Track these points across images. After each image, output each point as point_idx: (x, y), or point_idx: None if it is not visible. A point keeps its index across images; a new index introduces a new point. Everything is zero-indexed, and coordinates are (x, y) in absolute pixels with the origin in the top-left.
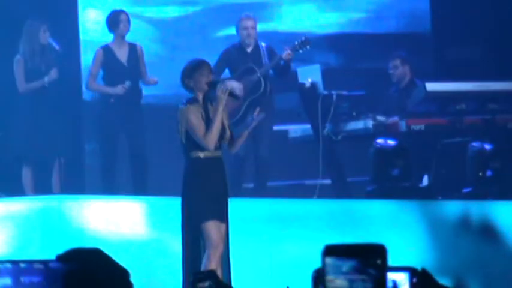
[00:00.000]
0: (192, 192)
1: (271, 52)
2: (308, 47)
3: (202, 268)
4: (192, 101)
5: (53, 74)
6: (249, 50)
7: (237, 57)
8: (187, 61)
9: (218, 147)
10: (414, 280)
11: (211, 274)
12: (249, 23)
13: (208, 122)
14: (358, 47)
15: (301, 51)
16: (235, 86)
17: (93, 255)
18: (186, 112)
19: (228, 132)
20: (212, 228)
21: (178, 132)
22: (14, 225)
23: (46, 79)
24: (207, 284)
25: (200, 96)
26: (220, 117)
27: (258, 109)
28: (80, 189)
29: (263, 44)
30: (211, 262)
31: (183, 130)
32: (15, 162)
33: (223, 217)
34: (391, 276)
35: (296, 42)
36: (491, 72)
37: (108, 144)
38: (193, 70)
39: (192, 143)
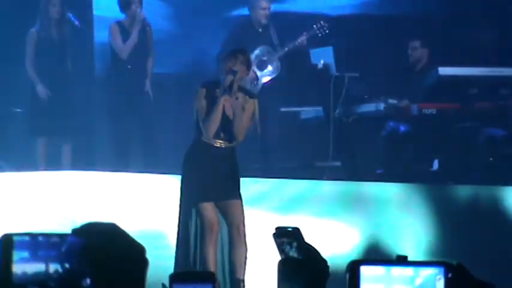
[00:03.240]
0: (189, 171)
1: (280, 32)
2: (327, 31)
3: (193, 250)
4: (210, 84)
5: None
6: (260, 30)
7: (249, 37)
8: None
9: (224, 138)
10: (449, 275)
11: (295, 231)
12: (266, 4)
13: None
14: (372, 29)
15: (320, 35)
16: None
17: (109, 229)
18: (198, 94)
19: (239, 124)
20: (206, 208)
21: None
22: (25, 199)
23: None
24: (289, 239)
25: (225, 81)
26: (219, 109)
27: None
28: (91, 165)
29: (271, 23)
30: (206, 244)
31: (194, 110)
32: (29, 136)
33: (221, 197)
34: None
35: (315, 26)
36: (504, 57)
37: (118, 121)
38: (229, 54)
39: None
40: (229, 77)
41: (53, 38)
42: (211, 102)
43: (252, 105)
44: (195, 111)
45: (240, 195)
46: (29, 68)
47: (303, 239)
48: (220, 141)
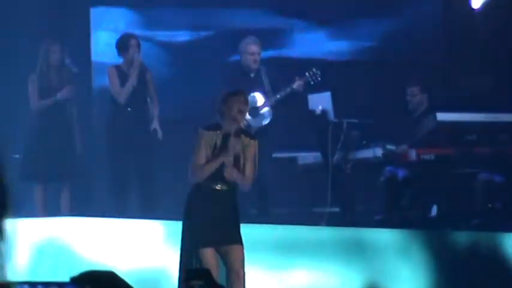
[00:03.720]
0: (190, 216)
1: (273, 78)
2: (319, 78)
3: None
4: (212, 126)
5: (66, 91)
6: (252, 75)
7: (240, 83)
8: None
9: (226, 181)
10: None
11: (204, 272)
12: (255, 48)
13: (222, 150)
14: (370, 74)
15: (312, 82)
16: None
17: (107, 277)
18: (199, 135)
19: (245, 168)
20: (206, 254)
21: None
22: (25, 246)
23: (58, 96)
24: (200, 282)
25: (227, 124)
26: (217, 162)
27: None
28: (89, 211)
29: (263, 69)
30: None
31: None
32: (27, 182)
33: (221, 241)
34: None
35: (307, 74)
36: (502, 103)
37: (117, 165)
38: (229, 95)
39: None
40: (234, 126)
41: (53, 84)
42: (217, 143)
43: (254, 147)
44: (195, 152)
45: (240, 239)
46: (36, 109)
47: (213, 280)
48: (221, 185)
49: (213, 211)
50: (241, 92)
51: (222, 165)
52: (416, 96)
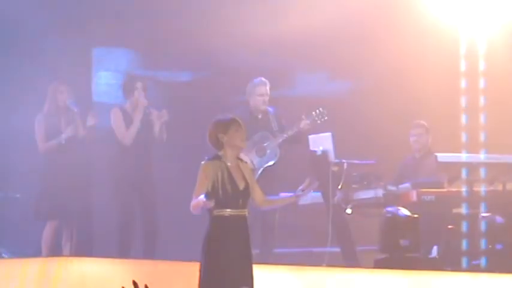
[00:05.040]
0: (212, 253)
1: (279, 118)
2: (326, 117)
3: None
4: (215, 157)
5: (69, 131)
6: (260, 116)
7: (247, 123)
8: (215, 118)
9: (243, 205)
10: None
11: None
12: (264, 89)
13: (230, 180)
14: (371, 114)
15: (319, 121)
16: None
17: None
18: (201, 168)
19: (254, 190)
20: None
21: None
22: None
23: (63, 136)
24: None
25: (228, 153)
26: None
27: (308, 180)
28: (89, 251)
29: (270, 110)
30: None
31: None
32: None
33: (243, 282)
34: None
35: (314, 113)
36: (502, 144)
37: (120, 205)
38: (228, 125)
39: (216, 200)
40: (235, 154)
41: (59, 124)
42: (225, 173)
43: (252, 170)
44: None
45: (252, 282)
46: (44, 150)
47: None
48: (244, 209)
49: (231, 249)
50: (237, 120)
51: (235, 191)
52: (422, 137)
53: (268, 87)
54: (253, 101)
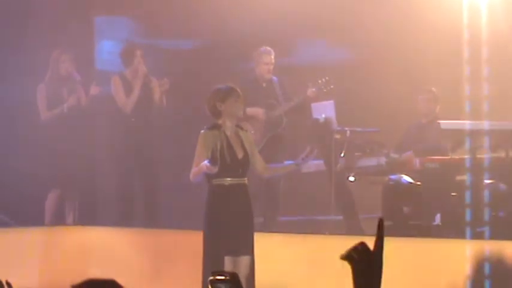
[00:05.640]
0: (215, 222)
1: (283, 87)
2: (332, 86)
3: None
4: (214, 126)
5: (71, 100)
6: (264, 84)
7: (252, 92)
8: (215, 87)
9: (242, 174)
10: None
11: (232, 276)
12: (269, 59)
13: (229, 149)
14: (375, 81)
15: (325, 90)
16: (259, 112)
17: (108, 286)
18: (200, 137)
19: (254, 159)
20: (230, 262)
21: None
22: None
23: (65, 105)
24: (228, 285)
25: (227, 122)
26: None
27: (308, 148)
28: (92, 220)
29: (275, 78)
30: None
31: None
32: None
33: (245, 251)
34: None
35: (320, 81)
36: (505, 111)
37: (121, 174)
38: (227, 94)
39: (221, 167)
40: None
41: (62, 93)
42: (224, 143)
43: (252, 137)
44: (196, 155)
45: (252, 250)
46: (46, 119)
47: (241, 285)
48: (244, 178)
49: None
50: (236, 89)
51: (234, 160)
52: (430, 102)
53: (272, 56)
54: (259, 69)
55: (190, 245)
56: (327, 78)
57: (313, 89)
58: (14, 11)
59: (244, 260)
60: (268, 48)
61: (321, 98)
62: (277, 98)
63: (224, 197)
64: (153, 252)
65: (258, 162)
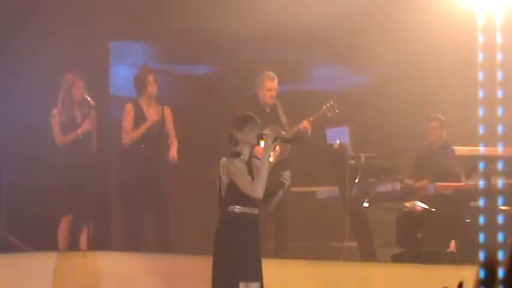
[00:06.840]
0: (224, 249)
1: (289, 112)
2: (337, 111)
3: None
4: (236, 154)
5: (86, 125)
6: (268, 109)
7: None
8: (233, 115)
9: (253, 203)
10: None
11: None
12: (272, 84)
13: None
14: (388, 107)
15: (329, 115)
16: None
17: None
18: (231, 164)
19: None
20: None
21: (218, 185)
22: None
23: (80, 130)
24: None
25: (245, 150)
26: (267, 167)
27: (288, 172)
28: (106, 246)
29: (279, 103)
30: None
31: (224, 182)
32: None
33: (254, 277)
34: None
35: (324, 106)
36: None
37: (134, 200)
38: (244, 122)
39: (232, 196)
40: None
41: (75, 119)
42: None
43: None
44: (225, 182)
45: (261, 277)
46: (61, 143)
47: None
48: (255, 208)
49: (246, 240)
50: (253, 117)
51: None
52: (436, 130)
53: (276, 82)
54: (262, 95)
55: (202, 269)
56: (331, 102)
57: (315, 116)
58: (29, 31)
59: (254, 286)
60: (271, 73)
61: (333, 124)
62: (281, 123)
63: (233, 225)
64: (165, 276)
65: (246, 187)
